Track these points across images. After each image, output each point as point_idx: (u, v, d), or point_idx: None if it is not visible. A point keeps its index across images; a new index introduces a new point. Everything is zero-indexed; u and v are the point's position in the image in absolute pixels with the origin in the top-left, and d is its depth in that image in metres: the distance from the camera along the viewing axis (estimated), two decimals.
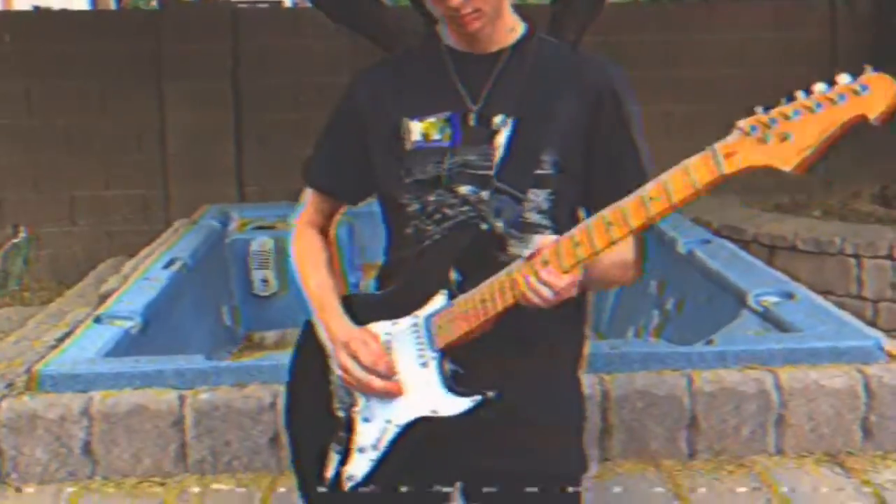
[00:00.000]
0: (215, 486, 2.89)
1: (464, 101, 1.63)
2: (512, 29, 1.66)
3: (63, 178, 6.97)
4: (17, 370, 3.15)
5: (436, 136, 1.63)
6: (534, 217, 1.61)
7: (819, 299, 3.68)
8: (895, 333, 5.36)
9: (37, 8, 8.41)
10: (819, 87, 1.29)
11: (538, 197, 1.61)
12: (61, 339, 3.41)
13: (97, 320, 3.52)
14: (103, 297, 3.94)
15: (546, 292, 1.46)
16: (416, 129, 1.64)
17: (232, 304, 5.02)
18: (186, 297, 4.30)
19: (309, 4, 5.90)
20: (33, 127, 6.91)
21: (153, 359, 3.11)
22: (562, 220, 1.62)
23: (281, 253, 5.21)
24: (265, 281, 5.18)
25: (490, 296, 1.52)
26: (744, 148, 1.32)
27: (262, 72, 6.72)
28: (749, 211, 6.31)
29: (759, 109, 1.33)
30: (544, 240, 1.50)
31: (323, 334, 1.67)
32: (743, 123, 1.33)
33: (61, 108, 6.89)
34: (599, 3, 5.45)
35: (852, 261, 5.53)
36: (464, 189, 1.61)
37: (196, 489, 2.87)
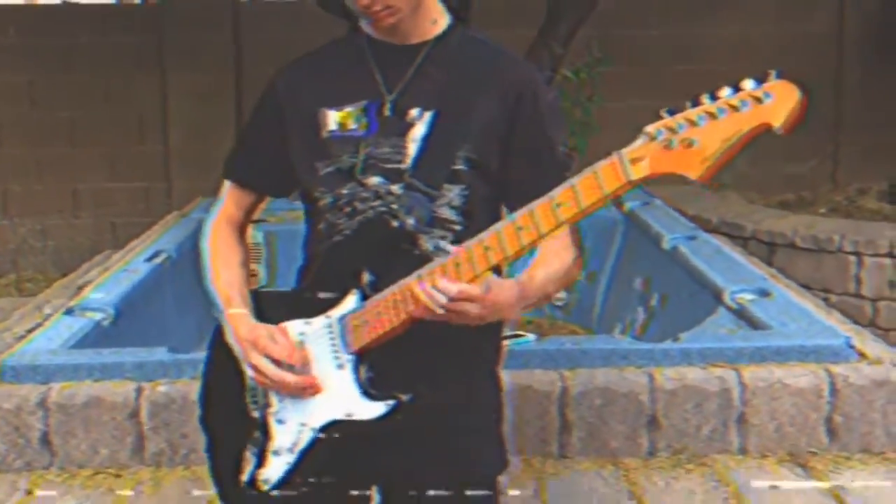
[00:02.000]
0: (171, 478, 2.90)
1: (380, 90, 1.61)
2: (435, 21, 1.64)
3: (66, 170, 7.03)
4: None
5: (352, 125, 1.61)
6: (445, 213, 1.59)
7: (796, 298, 3.62)
8: (895, 332, 5.33)
9: (65, 1, 8.45)
10: (724, 91, 1.26)
11: (451, 192, 1.59)
12: (31, 330, 3.43)
13: (68, 312, 3.54)
14: (80, 289, 3.97)
15: (440, 298, 1.43)
16: (333, 119, 1.62)
17: None
18: (168, 290, 4.31)
19: None
20: (37, 119, 6.97)
21: (114, 351, 3.13)
22: (475, 217, 1.60)
23: (271, 246, 5.22)
24: (254, 274, 5.20)
25: (402, 298, 1.49)
26: (650, 153, 1.30)
27: (265, 64, 6.70)
28: (750, 207, 6.23)
29: (664, 113, 1.30)
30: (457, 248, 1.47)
31: (230, 335, 1.64)
32: (650, 128, 1.30)
33: (64, 101, 6.94)
34: None
35: (852, 258, 5.44)
36: (374, 181, 1.59)
37: (152, 481, 2.88)
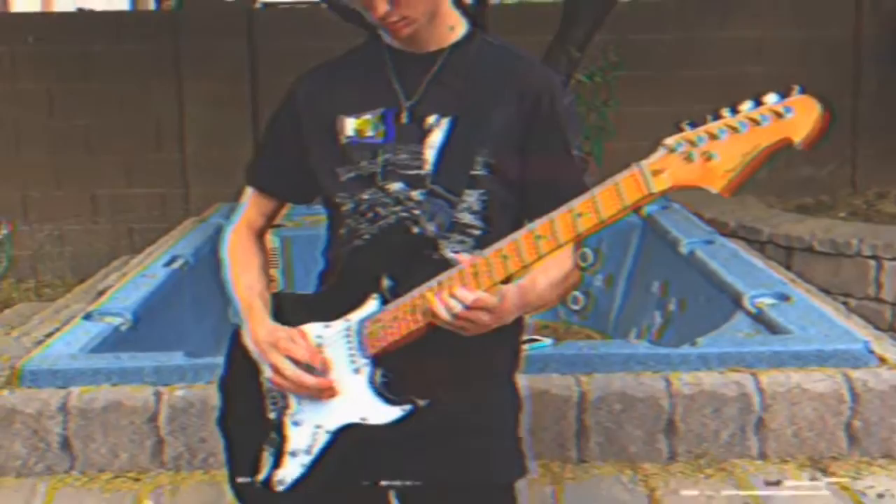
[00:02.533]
0: (190, 482, 2.91)
1: (398, 98, 1.62)
2: (452, 28, 1.64)
3: (84, 177, 7.07)
4: (4, 365, 3.20)
5: (369, 132, 1.62)
6: (466, 217, 1.60)
7: (815, 302, 3.60)
8: None
9: (80, 9, 8.52)
10: (745, 105, 1.27)
11: (471, 198, 1.59)
12: (50, 335, 3.45)
13: (87, 317, 3.56)
14: (100, 294, 3.99)
15: (456, 307, 1.43)
16: (350, 126, 1.63)
17: None
18: (186, 295, 4.33)
19: (324, 4, 5.92)
20: (55, 126, 7.02)
21: (133, 355, 3.14)
22: (495, 222, 1.61)
23: (287, 252, 5.23)
24: (271, 280, 5.21)
25: (420, 304, 1.50)
26: (670, 166, 1.30)
27: (280, 71, 6.71)
28: (768, 211, 6.20)
29: (685, 126, 1.30)
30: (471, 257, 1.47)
31: (248, 337, 1.65)
32: (670, 140, 1.31)
33: (81, 108, 6.99)
34: (611, 1, 5.39)
35: (871, 262, 5.40)
36: (395, 187, 1.60)
37: (171, 486, 2.89)
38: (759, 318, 3.49)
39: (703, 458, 2.95)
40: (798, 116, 1.22)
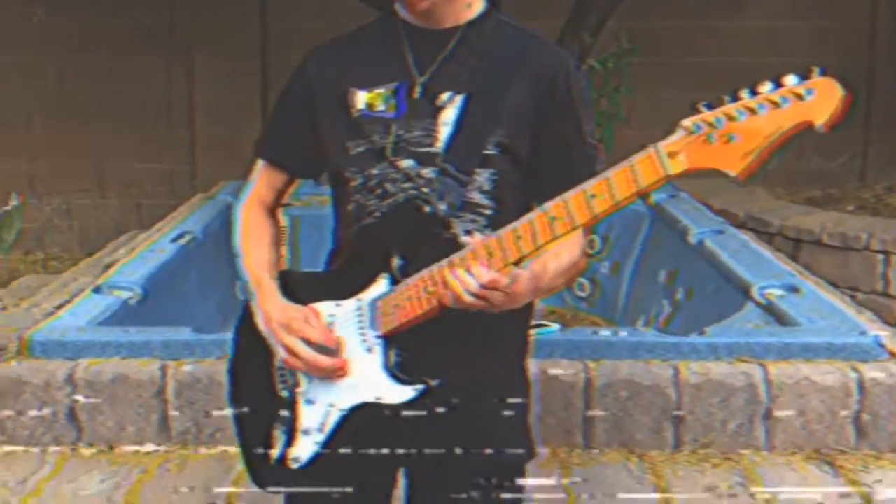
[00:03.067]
0: (196, 457, 2.91)
1: (411, 73, 1.61)
2: (469, 5, 1.62)
3: (93, 151, 7.07)
4: (14, 336, 3.20)
5: (381, 106, 1.61)
6: (476, 197, 1.59)
7: (825, 294, 3.59)
8: None
9: None
10: (765, 87, 1.25)
11: (481, 177, 1.58)
12: (59, 307, 3.45)
13: (96, 290, 3.57)
14: (107, 268, 3.99)
15: (472, 284, 1.42)
16: (362, 99, 1.62)
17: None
18: (193, 271, 4.33)
19: None
20: (65, 101, 7.00)
21: (141, 329, 3.14)
22: (505, 202, 1.60)
23: (295, 231, 5.22)
24: (280, 256, 5.20)
25: (433, 283, 1.49)
26: (688, 147, 1.28)
27: (291, 50, 6.69)
28: (777, 203, 6.18)
29: (703, 107, 1.28)
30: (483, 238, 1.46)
31: (259, 317, 1.63)
32: (688, 122, 1.29)
33: (92, 83, 6.97)
34: None
35: (879, 257, 5.38)
36: (405, 163, 1.59)
37: (177, 460, 2.90)
38: (769, 309, 3.48)
39: (709, 448, 2.95)
40: (819, 99, 1.20)
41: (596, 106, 5.66)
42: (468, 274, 1.43)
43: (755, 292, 3.61)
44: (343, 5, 6.41)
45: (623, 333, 3.17)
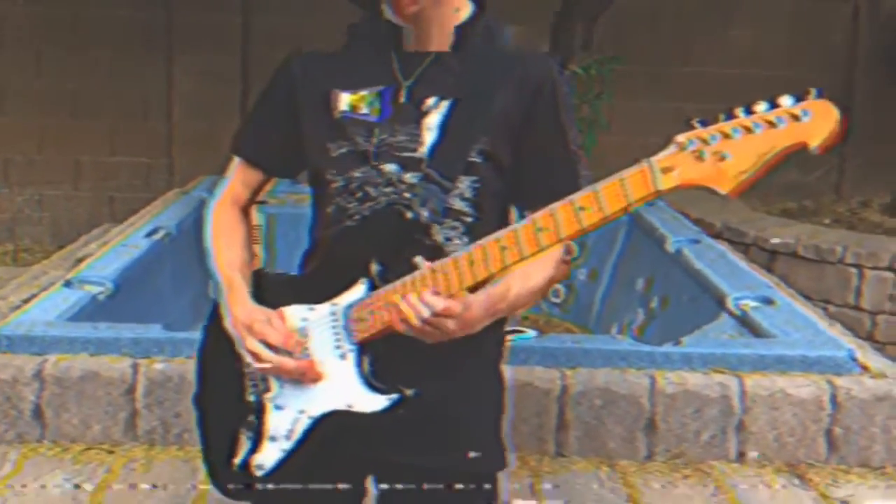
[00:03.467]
0: (163, 457, 2.87)
1: (396, 76, 1.58)
2: (457, 10, 1.60)
3: (69, 143, 6.98)
4: None
5: (364, 109, 1.58)
6: (458, 204, 1.56)
7: (800, 307, 3.60)
8: (892, 346, 5.31)
9: None
10: (760, 106, 1.23)
11: (463, 184, 1.55)
12: (28, 300, 3.39)
13: (67, 284, 3.51)
14: (79, 262, 3.93)
15: (424, 312, 1.40)
16: (345, 100, 1.59)
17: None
18: (166, 267, 4.28)
19: None
20: (42, 90, 6.91)
21: (111, 325, 3.09)
22: (485, 210, 1.57)
23: (270, 229, 5.18)
24: (254, 255, 5.15)
25: (391, 303, 1.46)
26: (680, 163, 1.26)
27: (272, 47, 6.65)
28: (753, 214, 6.21)
29: (697, 123, 1.26)
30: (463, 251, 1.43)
31: (227, 318, 1.60)
32: (681, 137, 1.26)
33: (71, 73, 6.89)
34: None
35: (853, 270, 5.42)
36: (388, 167, 1.56)
37: (144, 459, 2.85)
38: (743, 321, 3.49)
39: (680, 458, 2.95)
40: (815, 120, 1.19)
41: (577, 112, 5.67)
42: (420, 302, 1.40)
43: (730, 303, 3.61)
44: (326, 3, 6.38)
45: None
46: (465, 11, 1.61)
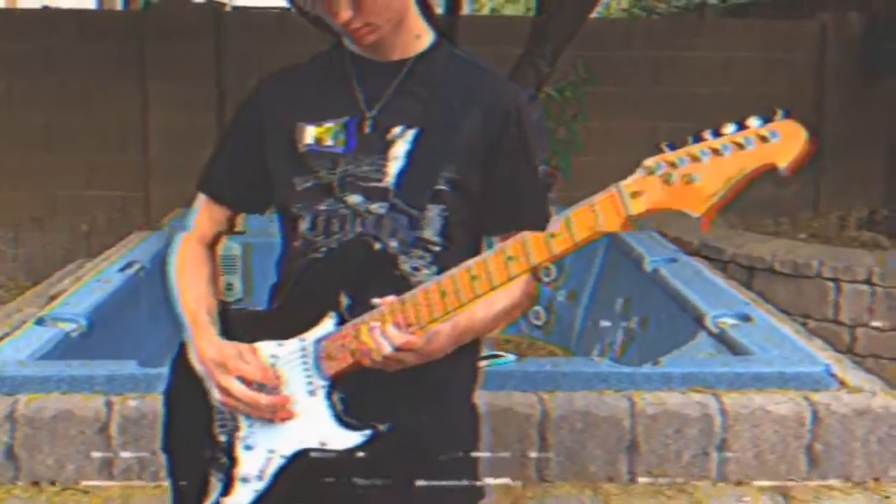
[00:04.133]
0: (140, 495, 2.82)
1: (360, 107, 1.57)
2: (418, 36, 1.59)
3: (43, 177, 6.93)
4: None
5: (329, 141, 1.57)
6: (426, 233, 1.54)
7: (777, 323, 3.61)
8: (871, 359, 5.33)
9: (46, 7, 8.36)
10: (728, 128, 1.22)
11: (431, 213, 1.54)
12: (0, 339, 3.35)
13: (39, 321, 3.47)
14: (52, 298, 3.89)
15: (386, 348, 1.40)
16: (310, 134, 1.57)
17: None
18: (142, 302, 4.24)
19: (293, 10, 5.88)
20: (14, 124, 6.87)
21: (84, 363, 3.05)
22: (454, 238, 1.56)
23: (247, 259, 5.16)
24: (230, 287, 5.13)
25: (355, 338, 1.44)
26: (649, 187, 1.25)
27: (247, 75, 6.64)
28: (730, 231, 6.24)
29: (665, 147, 1.26)
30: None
31: (194, 356, 1.57)
32: (650, 161, 1.26)
33: (43, 107, 6.85)
34: (583, 15, 5.40)
35: (830, 284, 5.45)
36: (353, 199, 1.54)
37: (120, 499, 2.80)
38: (721, 339, 3.49)
39: (663, 479, 2.93)
40: (784, 141, 1.18)
41: (553, 134, 5.69)
42: (381, 336, 1.40)
43: (708, 321, 3.61)
44: (299, 30, 6.37)
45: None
46: (427, 39, 1.60)
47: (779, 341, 3.33)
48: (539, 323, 5.13)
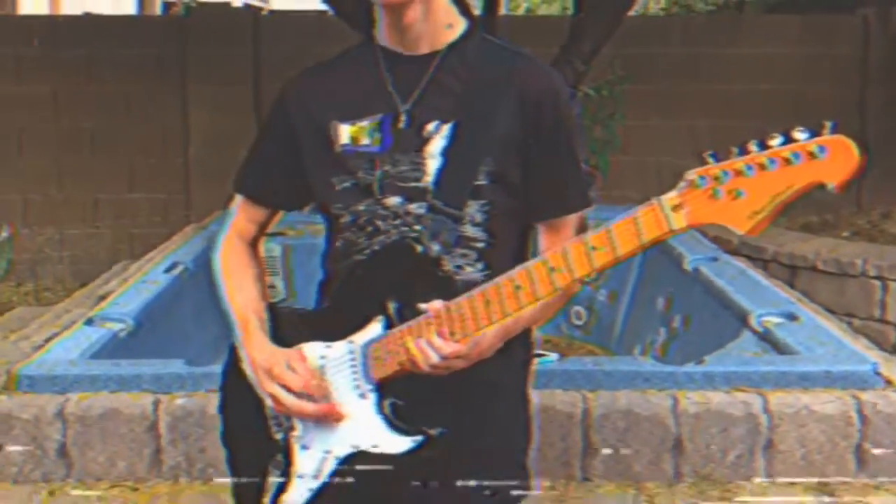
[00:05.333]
0: (188, 493, 2.86)
1: (394, 102, 1.54)
2: (450, 25, 1.55)
3: (87, 181, 7.05)
4: (1, 369, 3.16)
5: (365, 140, 1.55)
6: (468, 230, 1.53)
7: (824, 322, 3.57)
8: None
9: (87, 13, 8.51)
10: (775, 140, 1.18)
11: (472, 209, 1.52)
12: (49, 340, 3.41)
13: (88, 322, 3.53)
14: (101, 299, 3.95)
15: (433, 357, 1.40)
16: (345, 133, 1.56)
17: None
18: (186, 302, 4.29)
19: (331, 12, 5.92)
20: (59, 129, 7.00)
21: (132, 362, 3.10)
22: (497, 234, 1.55)
23: (288, 260, 5.20)
24: (272, 287, 5.18)
25: (402, 344, 1.45)
26: (692, 202, 1.22)
27: (284, 77, 6.70)
28: (772, 229, 6.16)
29: (709, 158, 1.22)
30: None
31: (245, 361, 1.59)
32: (692, 174, 1.23)
33: (87, 112, 6.97)
34: (620, 13, 5.38)
35: (876, 283, 5.37)
36: (392, 201, 1.54)
37: (168, 496, 2.85)
38: (766, 338, 3.45)
39: (708, 479, 2.91)
40: (833, 158, 1.14)
41: (591, 133, 5.67)
42: (429, 347, 1.41)
43: (753, 320, 3.58)
44: (336, 33, 6.42)
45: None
46: (459, 28, 1.56)
47: (825, 340, 3.29)
48: (580, 322, 5.11)
